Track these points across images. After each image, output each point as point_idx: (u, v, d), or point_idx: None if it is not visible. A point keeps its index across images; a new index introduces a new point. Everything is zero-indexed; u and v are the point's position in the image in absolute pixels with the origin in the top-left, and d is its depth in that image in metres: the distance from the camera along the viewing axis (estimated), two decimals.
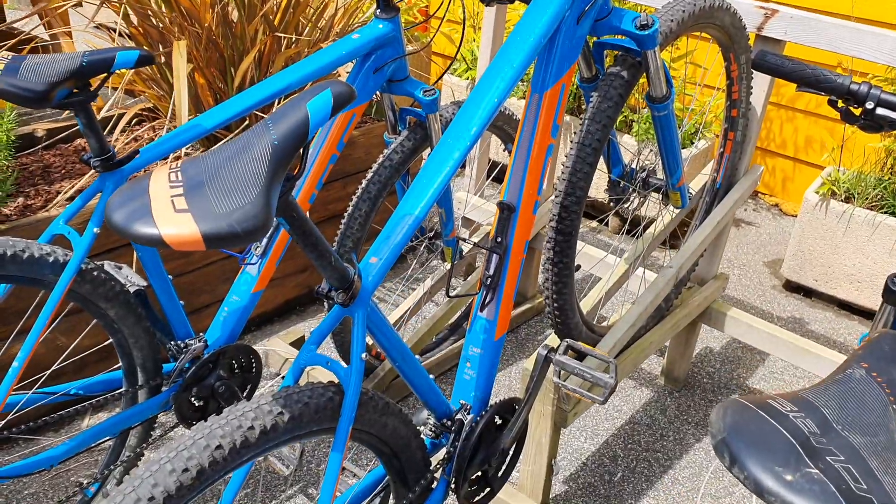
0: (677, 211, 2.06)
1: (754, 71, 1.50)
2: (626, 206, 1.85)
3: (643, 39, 1.37)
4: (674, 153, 1.67)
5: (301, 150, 0.88)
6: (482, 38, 2.34)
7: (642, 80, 1.54)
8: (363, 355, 1.06)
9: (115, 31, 2.05)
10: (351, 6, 2.32)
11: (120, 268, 1.57)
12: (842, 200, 2.71)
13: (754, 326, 2.14)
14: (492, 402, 1.40)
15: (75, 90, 1.26)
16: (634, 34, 1.37)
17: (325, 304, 2.45)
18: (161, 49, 2.07)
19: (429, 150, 1.93)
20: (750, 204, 3.51)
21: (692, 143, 2.96)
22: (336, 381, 1.08)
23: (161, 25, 2.06)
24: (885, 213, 2.64)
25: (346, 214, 1.88)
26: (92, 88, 1.29)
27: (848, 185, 2.71)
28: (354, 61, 1.69)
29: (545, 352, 1.32)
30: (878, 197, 2.67)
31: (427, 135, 1.89)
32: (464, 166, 2.82)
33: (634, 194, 1.83)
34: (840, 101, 1.24)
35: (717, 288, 2.22)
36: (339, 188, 2.52)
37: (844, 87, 1.21)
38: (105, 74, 1.28)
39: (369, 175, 1.87)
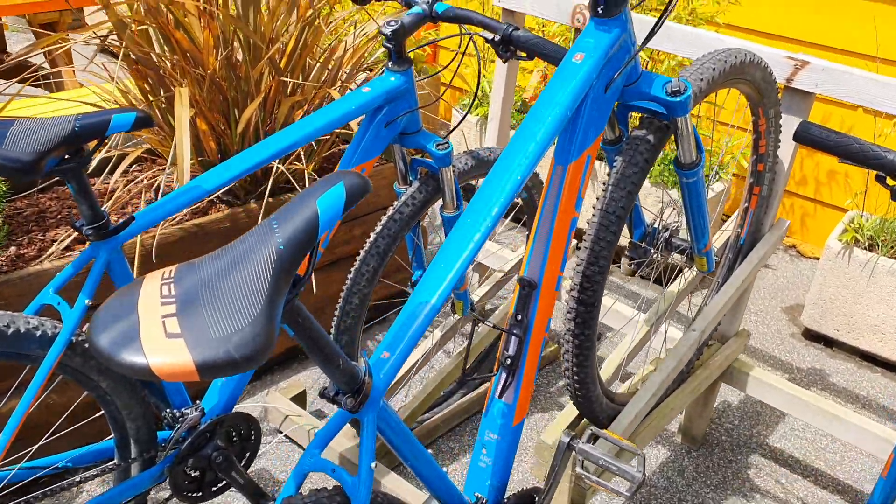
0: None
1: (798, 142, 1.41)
2: (648, 267, 1.76)
3: (674, 106, 1.28)
4: (702, 219, 1.58)
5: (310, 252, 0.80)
6: (493, 92, 2.27)
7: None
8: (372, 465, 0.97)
9: (113, 74, 1.97)
10: (360, 47, 2.24)
11: None
12: (865, 248, 2.61)
13: (778, 387, 2.04)
14: (508, 492, 1.30)
15: (66, 157, 1.18)
16: (665, 101, 1.28)
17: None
18: (162, 93, 1.99)
19: (440, 201, 1.84)
20: None
21: (707, 186, 2.87)
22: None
23: (161, 68, 1.98)
24: None
25: (352, 270, 1.79)
26: (84, 154, 1.20)
27: (872, 233, 2.62)
28: (365, 114, 1.61)
29: (567, 439, 1.22)
30: None
31: (439, 186, 1.81)
32: None
33: (657, 256, 1.74)
34: (889, 179, 1.15)
35: (739, 346, 2.12)
36: (346, 231, 2.43)
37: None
38: (100, 139, 1.20)
39: (378, 228, 1.78)
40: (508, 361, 1.23)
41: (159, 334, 0.67)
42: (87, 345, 1.33)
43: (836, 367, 2.72)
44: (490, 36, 1.49)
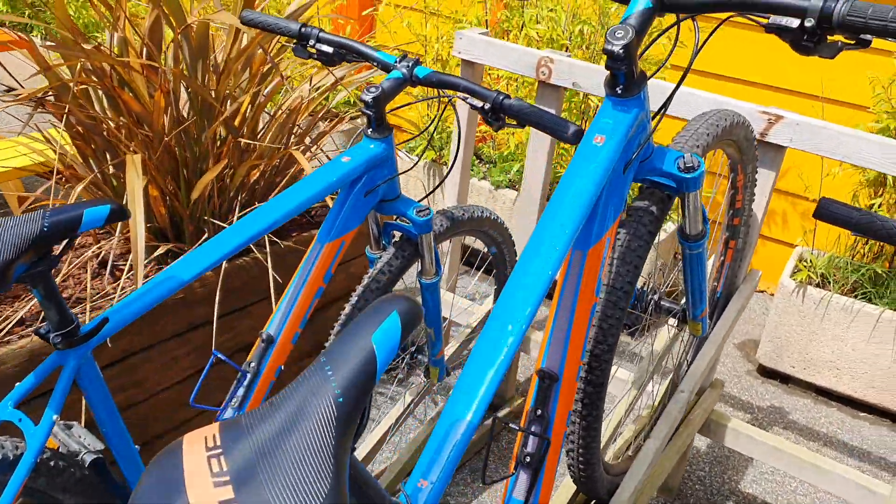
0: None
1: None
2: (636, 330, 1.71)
3: (687, 182, 1.24)
4: (701, 289, 1.54)
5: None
6: (453, 144, 2.20)
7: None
8: None
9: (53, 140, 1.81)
10: (315, 100, 2.14)
11: (70, 427, 1.33)
12: (817, 285, 2.65)
13: (757, 439, 2.03)
14: None
15: (34, 261, 1.04)
16: (679, 177, 1.23)
17: None
18: (108, 159, 1.84)
19: (418, 266, 1.76)
20: None
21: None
22: None
23: (107, 130, 1.83)
24: (862, 298, 2.59)
25: (327, 345, 1.68)
26: (55, 253, 1.07)
27: (823, 270, 2.66)
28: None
29: None
30: (853, 282, 2.63)
31: (416, 251, 1.72)
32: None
33: (646, 319, 1.70)
34: None
35: (715, 397, 2.10)
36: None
37: None
38: (69, 238, 1.06)
39: (353, 300, 1.68)
40: (528, 460, 1.15)
41: None
42: (52, 462, 1.18)
43: (793, 404, 2.75)
44: (478, 104, 1.41)
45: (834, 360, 2.67)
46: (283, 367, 1.54)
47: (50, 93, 1.83)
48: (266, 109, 2.16)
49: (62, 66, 1.75)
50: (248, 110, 2.00)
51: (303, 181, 1.42)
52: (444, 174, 1.61)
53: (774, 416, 2.67)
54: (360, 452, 1.97)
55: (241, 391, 1.49)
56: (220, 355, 1.42)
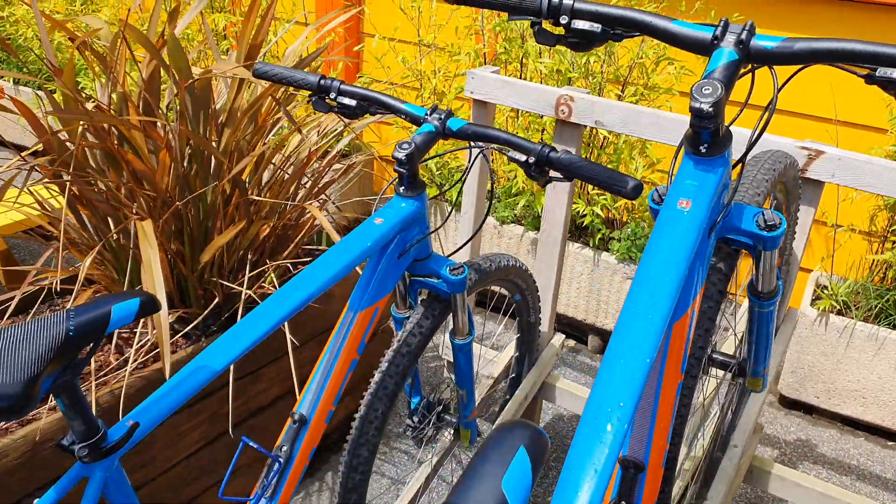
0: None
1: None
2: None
3: (766, 241, 1.14)
4: (767, 345, 1.44)
5: None
6: (467, 185, 2.11)
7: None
8: None
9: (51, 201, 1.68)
10: (321, 148, 2.03)
11: None
12: (838, 311, 2.58)
13: (803, 485, 1.94)
14: None
15: (62, 369, 0.92)
16: (758, 235, 1.14)
17: None
18: (112, 226, 1.71)
19: (449, 328, 1.65)
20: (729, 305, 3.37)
21: None
22: None
23: (106, 192, 1.71)
24: (887, 325, 2.52)
25: (357, 416, 1.56)
26: (82, 356, 0.94)
27: (845, 298, 2.59)
28: None
29: None
30: (877, 307, 2.56)
31: (447, 309, 1.61)
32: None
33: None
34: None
35: (756, 441, 2.00)
36: (317, 349, 2.19)
37: None
38: (97, 339, 0.94)
39: (384, 366, 1.57)
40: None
41: None
42: None
43: (820, 435, 2.67)
44: (520, 158, 1.31)
45: (860, 389, 2.60)
46: (316, 449, 1.42)
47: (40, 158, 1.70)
48: (279, 165, 2.05)
49: (62, 130, 1.63)
50: (258, 164, 1.89)
51: (335, 250, 1.30)
52: (447, 214, 1.51)
53: (802, 450, 2.58)
54: None
55: (273, 479, 1.37)
56: (249, 442, 1.29)
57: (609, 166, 2.68)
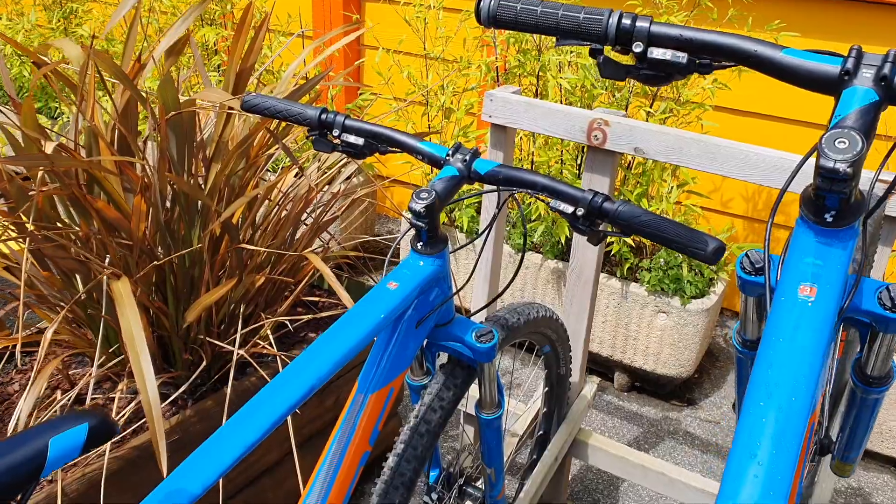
0: None
1: None
2: None
3: (890, 322, 0.91)
4: (866, 434, 1.20)
5: None
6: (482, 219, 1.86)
7: None
8: None
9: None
10: (322, 183, 1.80)
11: None
12: None
13: None
14: None
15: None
16: (881, 316, 0.91)
17: None
18: (79, 282, 1.48)
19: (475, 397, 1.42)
20: None
21: (706, 291, 2.54)
22: None
23: (74, 244, 1.47)
24: None
25: None
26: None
27: None
28: None
29: None
30: None
31: (471, 376, 1.38)
32: None
33: None
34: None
35: None
36: (316, 404, 1.95)
37: None
38: (28, 487, 0.71)
39: (399, 448, 1.33)
40: None
41: None
42: None
43: (873, 482, 2.43)
44: (566, 209, 1.08)
45: None
46: None
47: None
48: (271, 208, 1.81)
49: (21, 176, 1.40)
50: (248, 206, 1.66)
51: (338, 327, 1.06)
52: (471, 271, 1.28)
53: (858, 499, 2.35)
54: None
55: None
56: None
57: (638, 190, 2.44)
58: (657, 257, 2.51)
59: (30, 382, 1.36)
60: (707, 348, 2.94)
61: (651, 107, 2.45)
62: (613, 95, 2.39)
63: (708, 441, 2.53)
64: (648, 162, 2.47)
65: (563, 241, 2.54)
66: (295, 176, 1.69)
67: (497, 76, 2.68)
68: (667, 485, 1.88)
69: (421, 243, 1.17)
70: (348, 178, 2.00)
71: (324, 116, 1.24)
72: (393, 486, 1.32)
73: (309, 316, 1.67)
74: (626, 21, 0.80)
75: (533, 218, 2.67)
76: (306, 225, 1.81)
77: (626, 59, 0.85)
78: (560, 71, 2.41)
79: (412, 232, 1.17)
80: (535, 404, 1.99)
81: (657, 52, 0.80)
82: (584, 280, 1.89)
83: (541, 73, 2.55)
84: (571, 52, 2.37)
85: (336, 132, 1.24)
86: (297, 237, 1.76)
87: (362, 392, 1.19)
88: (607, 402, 2.70)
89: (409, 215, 1.13)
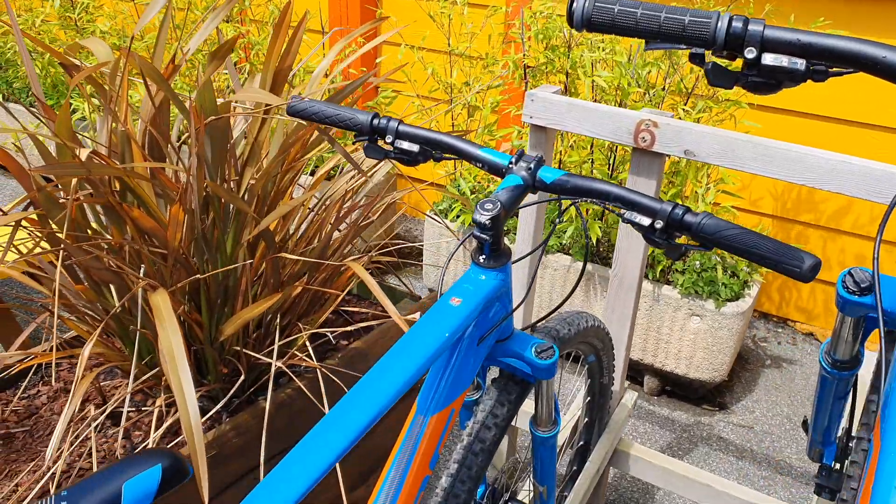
0: None
1: None
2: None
3: None
4: None
5: None
6: (519, 227, 1.80)
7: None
8: None
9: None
10: (358, 186, 1.74)
11: None
12: None
13: None
14: None
15: None
16: None
17: None
18: (115, 295, 1.42)
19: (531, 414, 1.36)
20: (781, 333, 3.08)
21: (740, 294, 2.48)
22: None
23: (107, 256, 1.41)
24: None
25: None
26: None
27: None
28: None
29: None
30: None
31: (525, 392, 1.32)
32: None
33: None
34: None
35: None
36: None
37: None
38: None
39: (453, 468, 1.27)
40: None
41: None
42: None
43: None
44: (642, 221, 1.02)
45: None
46: None
47: (32, 211, 1.41)
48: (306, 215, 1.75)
49: (53, 185, 1.33)
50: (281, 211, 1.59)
51: (403, 345, 1.01)
52: (570, 292, 1.22)
53: None
54: None
55: None
56: None
57: (672, 190, 2.38)
58: (692, 259, 2.45)
59: (70, 397, 1.31)
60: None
61: (686, 104, 2.38)
62: (648, 94, 2.33)
63: (742, 447, 2.48)
64: (682, 161, 2.40)
65: (594, 241, 2.48)
66: (351, 179, 1.63)
67: (525, 74, 2.61)
68: (714, 497, 1.82)
69: (483, 256, 1.11)
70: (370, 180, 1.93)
71: (376, 122, 1.18)
72: None
73: (348, 328, 1.61)
74: (738, 24, 0.74)
75: (564, 219, 2.60)
76: (339, 230, 1.75)
77: (726, 64, 0.79)
78: (594, 69, 2.34)
79: (471, 243, 1.11)
80: (573, 413, 1.93)
81: (770, 59, 0.74)
82: (626, 287, 1.83)
83: (570, 71, 2.49)
84: (604, 49, 2.31)
85: (389, 138, 1.18)
86: (330, 243, 1.70)
87: (422, 414, 1.13)
88: (638, 407, 2.64)
89: (475, 228, 1.07)
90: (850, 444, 1.21)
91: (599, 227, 2.45)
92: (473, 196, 2.73)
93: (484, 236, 1.08)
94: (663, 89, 2.36)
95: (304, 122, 1.46)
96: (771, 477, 2.35)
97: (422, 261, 3.20)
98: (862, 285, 0.92)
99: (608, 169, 2.51)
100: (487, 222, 1.06)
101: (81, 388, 1.32)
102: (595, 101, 2.41)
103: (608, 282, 2.46)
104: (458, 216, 2.73)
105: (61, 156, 1.44)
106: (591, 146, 2.47)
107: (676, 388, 2.69)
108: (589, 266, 2.57)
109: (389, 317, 1.92)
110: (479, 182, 2.78)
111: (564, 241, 2.60)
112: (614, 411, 1.95)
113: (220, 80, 2.95)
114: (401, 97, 3.09)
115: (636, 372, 2.72)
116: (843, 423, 1.27)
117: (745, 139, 1.55)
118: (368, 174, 1.75)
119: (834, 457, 1.28)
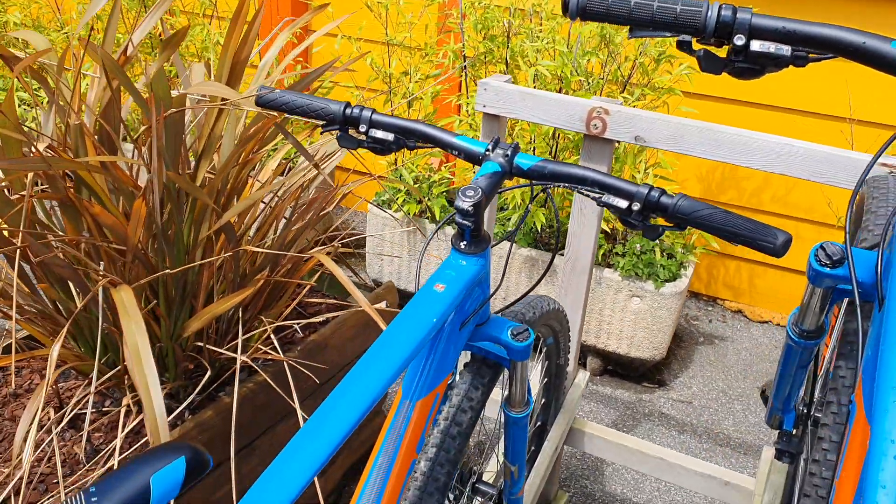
0: None
1: None
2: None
3: None
4: None
5: None
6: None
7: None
8: None
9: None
10: (313, 178, 1.73)
11: None
12: None
13: None
14: None
15: None
16: None
17: None
18: (76, 294, 1.37)
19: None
20: (711, 311, 3.21)
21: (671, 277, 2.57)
22: None
23: (64, 252, 1.37)
24: None
25: None
26: None
27: None
28: None
29: None
30: None
31: (496, 376, 1.35)
32: None
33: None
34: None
35: None
36: None
37: None
38: None
39: (431, 452, 1.29)
40: None
41: None
42: None
43: None
44: (619, 203, 1.05)
45: None
46: None
47: None
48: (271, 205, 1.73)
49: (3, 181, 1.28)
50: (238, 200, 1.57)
51: (392, 332, 1.01)
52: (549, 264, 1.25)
53: None
54: None
55: None
56: None
57: (614, 174, 2.45)
58: (631, 243, 2.53)
59: (33, 398, 1.26)
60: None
61: (623, 92, 2.45)
62: (587, 82, 2.39)
63: (683, 421, 2.58)
64: (620, 146, 2.47)
65: (538, 228, 2.53)
66: (306, 172, 1.62)
67: (464, 62, 2.64)
68: (665, 469, 1.90)
69: (465, 243, 1.13)
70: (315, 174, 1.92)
71: (349, 111, 1.18)
72: (427, 492, 1.27)
73: (313, 319, 1.61)
74: (727, 13, 0.78)
75: (502, 206, 2.65)
76: (301, 222, 1.74)
77: (714, 51, 0.83)
78: (534, 54, 2.38)
79: (449, 231, 1.13)
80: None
81: (757, 45, 0.78)
82: (579, 270, 1.88)
83: (509, 60, 2.53)
84: (544, 39, 2.35)
85: (363, 127, 1.19)
86: (287, 236, 1.69)
87: (408, 399, 1.14)
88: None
89: (456, 215, 1.09)
90: (811, 412, 1.28)
91: (543, 215, 2.50)
92: (417, 185, 2.75)
93: (466, 223, 1.09)
94: (602, 78, 2.43)
95: (267, 114, 1.45)
96: (711, 449, 2.46)
97: (362, 251, 3.19)
98: (833, 258, 0.98)
99: (550, 155, 2.56)
100: (470, 208, 1.07)
101: (44, 391, 1.28)
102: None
103: (553, 268, 2.52)
104: (401, 206, 2.74)
105: (8, 150, 1.38)
106: (533, 134, 2.51)
107: (618, 367, 2.77)
108: (533, 252, 2.62)
109: (344, 308, 1.92)
110: (420, 172, 2.79)
111: (509, 228, 2.64)
112: (568, 391, 2.00)
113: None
114: (338, 88, 3.07)
115: (580, 353, 2.79)
116: (801, 392, 1.35)
117: (694, 125, 1.61)
118: (321, 168, 1.74)
119: (793, 423, 1.35)
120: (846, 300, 1.10)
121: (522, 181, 1.17)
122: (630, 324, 2.59)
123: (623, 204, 1.05)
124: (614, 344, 2.65)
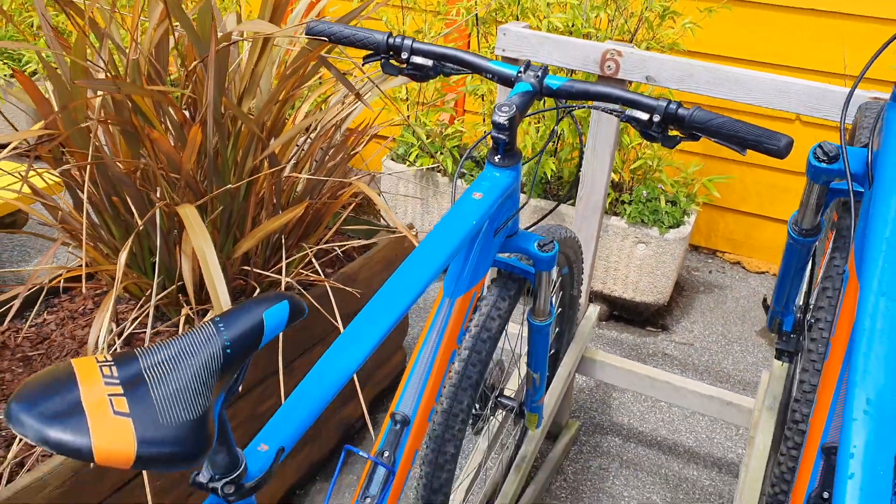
0: None
1: None
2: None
3: None
4: None
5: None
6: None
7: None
8: None
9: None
10: (341, 121, 1.85)
11: None
12: None
13: None
14: None
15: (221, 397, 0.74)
16: None
17: None
18: (137, 214, 1.49)
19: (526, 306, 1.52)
20: (711, 263, 3.35)
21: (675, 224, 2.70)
22: None
23: (129, 175, 1.49)
24: None
25: (439, 412, 1.41)
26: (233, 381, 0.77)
27: None
28: None
29: None
30: None
31: (521, 289, 1.48)
32: None
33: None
34: None
35: None
36: None
37: None
38: (250, 356, 0.77)
39: (464, 354, 1.42)
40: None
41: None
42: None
43: None
44: (641, 116, 1.18)
45: None
46: (420, 452, 1.27)
47: (44, 139, 1.47)
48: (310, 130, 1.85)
49: (69, 106, 1.40)
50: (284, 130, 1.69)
51: (437, 233, 1.14)
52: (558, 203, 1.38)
53: None
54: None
55: (374, 487, 1.21)
56: (352, 449, 1.14)
57: None
58: (637, 191, 2.65)
59: (99, 312, 1.39)
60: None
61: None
62: (596, 36, 2.50)
63: (685, 361, 2.72)
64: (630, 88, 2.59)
65: (549, 177, 2.66)
66: (347, 103, 1.74)
67: (476, 20, 2.75)
68: (672, 393, 2.04)
69: (499, 156, 1.25)
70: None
71: (391, 40, 1.30)
72: (461, 388, 1.41)
73: (352, 243, 1.73)
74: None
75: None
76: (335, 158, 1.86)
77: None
78: (548, 13, 2.50)
79: (488, 145, 1.25)
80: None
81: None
82: (592, 206, 2.01)
83: (519, 16, 2.64)
84: None
85: (405, 55, 1.31)
86: (324, 167, 1.81)
87: (448, 296, 1.27)
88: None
89: (493, 130, 1.21)
90: (807, 317, 1.42)
91: (553, 164, 2.62)
92: (429, 140, 2.87)
93: (501, 136, 1.22)
94: (609, 33, 2.54)
95: (311, 48, 1.56)
96: (712, 385, 2.60)
97: (376, 206, 3.32)
98: (830, 154, 1.11)
99: None
100: (505, 122, 1.20)
101: (114, 294, 1.41)
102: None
103: (561, 216, 2.65)
104: (414, 161, 2.87)
105: (78, 79, 1.50)
106: None
107: (624, 312, 2.91)
108: (542, 203, 2.74)
109: (369, 248, 2.05)
110: (432, 127, 2.91)
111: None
112: (580, 323, 2.14)
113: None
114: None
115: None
116: (799, 299, 1.48)
117: (701, 65, 1.74)
118: (363, 98, 1.86)
119: (792, 325, 1.49)
120: (840, 200, 1.23)
121: (549, 104, 1.29)
122: (635, 270, 2.72)
123: (644, 116, 1.18)
124: (620, 289, 2.78)
